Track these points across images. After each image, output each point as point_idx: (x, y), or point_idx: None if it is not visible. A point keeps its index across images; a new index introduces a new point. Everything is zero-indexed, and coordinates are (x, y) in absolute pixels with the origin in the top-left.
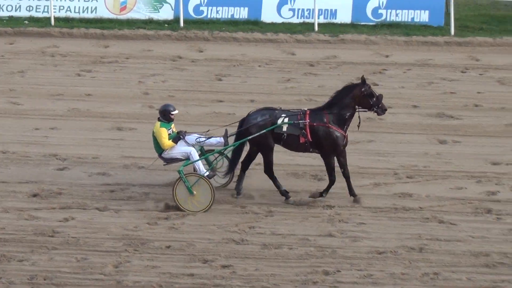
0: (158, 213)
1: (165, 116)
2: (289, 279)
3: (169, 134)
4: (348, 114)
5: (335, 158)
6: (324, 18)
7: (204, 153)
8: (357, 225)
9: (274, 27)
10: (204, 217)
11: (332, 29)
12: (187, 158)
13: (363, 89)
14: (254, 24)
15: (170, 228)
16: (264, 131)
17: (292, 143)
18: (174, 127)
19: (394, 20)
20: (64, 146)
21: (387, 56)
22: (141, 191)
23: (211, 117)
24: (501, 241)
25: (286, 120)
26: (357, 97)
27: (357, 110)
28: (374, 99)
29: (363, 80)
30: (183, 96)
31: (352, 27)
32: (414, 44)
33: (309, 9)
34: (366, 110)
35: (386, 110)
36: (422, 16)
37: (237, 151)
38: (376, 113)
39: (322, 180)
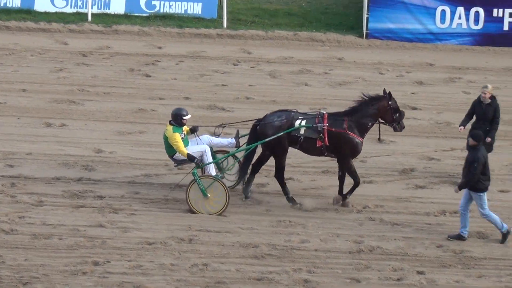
0: None
1: (177, 120)
2: (58, 270)
3: (182, 139)
4: (369, 124)
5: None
6: (98, 8)
7: (214, 154)
8: (128, 216)
9: (47, 16)
10: None
11: (105, 19)
12: (201, 157)
13: (390, 102)
14: (27, 13)
15: None
16: (282, 133)
17: (308, 147)
18: (185, 130)
19: (168, 11)
20: None
21: (160, 48)
22: None
23: None
24: (270, 232)
25: (303, 123)
26: (382, 109)
27: (378, 122)
28: (398, 114)
29: (389, 93)
30: None
31: (125, 18)
32: (187, 36)
33: None
34: (386, 123)
35: (404, 128)
36: (195, 8)
37: (250, 154)
38: (393, 129)
39: (93, 171)
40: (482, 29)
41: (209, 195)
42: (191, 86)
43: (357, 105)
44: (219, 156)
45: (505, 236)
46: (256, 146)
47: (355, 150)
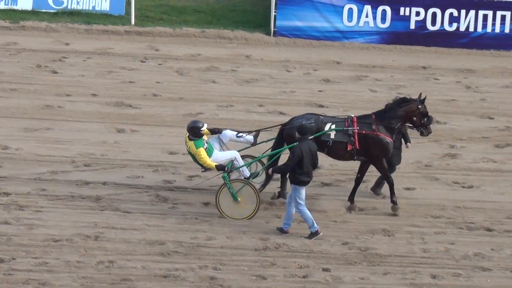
0: None
1: (196, 133)
2: None
3: (205, 148)
4: (396, 125)
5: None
6: (5, 4)
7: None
8: (34, 213)
9: None
10: None
11: (12, 15)
12: (232, 162)
13: (420, 106)
14: None
15: None
16: (311, 137)
17: (338, 151)
18: (206, 138)
19: (75, 8)
20: None
21: (67, 44)
22: None
23: None
24: (176, 230)
25: (333, 127)
26: (411, 112)
27: (405, 125)
28: (426, 119)
29: (421, 98)
30: None
31: (33, 14)
32: (95, 32)
33: None
34: (413, 127)
35: (430, 133)
36: (103, 5)
37: (276, 158)
38: (420, 133)
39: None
40: (389, 27)
41: (239, 199)
42: (98, 83)
43: (386, 107)
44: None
45: (312, 235)
46: (282, 151)
47: (386, 150)
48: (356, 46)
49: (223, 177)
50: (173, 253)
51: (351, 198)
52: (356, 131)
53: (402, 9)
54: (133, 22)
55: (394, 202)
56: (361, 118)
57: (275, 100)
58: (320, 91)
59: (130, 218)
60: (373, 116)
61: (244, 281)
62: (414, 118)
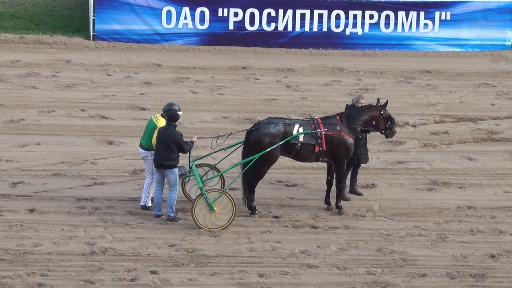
0: None
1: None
2: None
3: None
4: (359, 128)
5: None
6: None
7: (195, 168)
8: None
9: None
10: None
11: None
12: None
13: (382, 112)
14: None
15: None
16: (281, 142)
17: (305, 153)
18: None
19: None
20: None
21: None
22: None
23: None
24: (2, 237)
25: (301, 129)
26: (375, 118)
27: (370, 130)
28: (389, 122)
29: (379, 103)
30: None
31: None
32: None
33: None
34: (377, 131)
35: (395, 133)
36: None
37: (250, 166)
38: (386, 135)
39: None
40: (208, 28)
41: (215, 208)
42: None
43: (350, 111)
44: (200, 170)
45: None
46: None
47: (349, 150)
48: (176, 48)
49: (200, 188)
50: (0, 261)
51: (327, 201)
52: (323, 133)
53: (220, 10)
54: None
55: (339, 207)
56: (325, 119)
57: (97, 104)
58: (141, 94)
59: None
60: (337, 117)
61: (72, 287)
62: (378, 123)
